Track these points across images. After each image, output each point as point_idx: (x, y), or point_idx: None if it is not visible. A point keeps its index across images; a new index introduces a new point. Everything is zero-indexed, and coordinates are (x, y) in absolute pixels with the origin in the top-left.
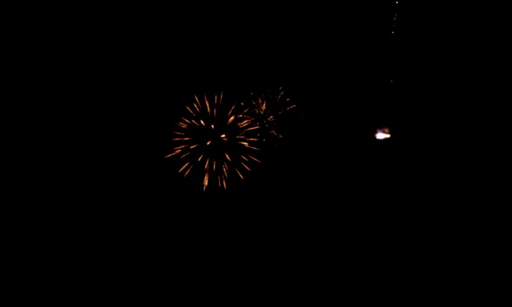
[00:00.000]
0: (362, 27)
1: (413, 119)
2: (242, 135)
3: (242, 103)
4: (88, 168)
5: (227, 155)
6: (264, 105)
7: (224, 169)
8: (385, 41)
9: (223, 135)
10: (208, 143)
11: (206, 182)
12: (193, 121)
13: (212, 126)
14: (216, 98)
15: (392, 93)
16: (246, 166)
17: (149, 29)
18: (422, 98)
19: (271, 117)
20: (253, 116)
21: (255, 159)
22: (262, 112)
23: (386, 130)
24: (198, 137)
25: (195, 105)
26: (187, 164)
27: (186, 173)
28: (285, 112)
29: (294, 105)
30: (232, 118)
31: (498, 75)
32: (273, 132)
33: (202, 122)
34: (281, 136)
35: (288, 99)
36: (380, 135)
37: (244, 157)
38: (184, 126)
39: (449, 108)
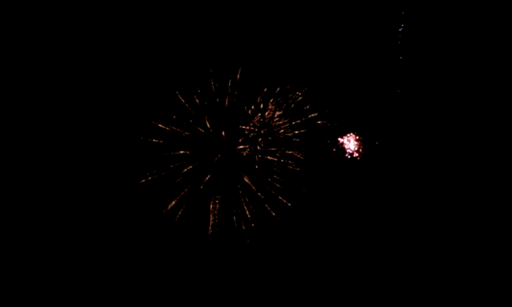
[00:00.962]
0: (372, 33)
1: (418, 127)
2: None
3: (250, 111)
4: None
5: (248, 180)
6: (276, 114)
7: (243, 201)
8: (393, 50)
9: (242, 147)
10: (217, 158)
11: (212, 221)
12: (194, 125)
13: (223, 133)
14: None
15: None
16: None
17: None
18: (431, 108)
19: (283, 129)
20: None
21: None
22: (275, 123)
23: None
24: (200, 148)
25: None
26: (182, 194)
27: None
28: (299, 124)
29: (315, 114)
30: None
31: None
32: (295, 153)
33: (208, 125)
34: (301, 156)
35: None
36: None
37: (276, 182)
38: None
39: (455, 117)
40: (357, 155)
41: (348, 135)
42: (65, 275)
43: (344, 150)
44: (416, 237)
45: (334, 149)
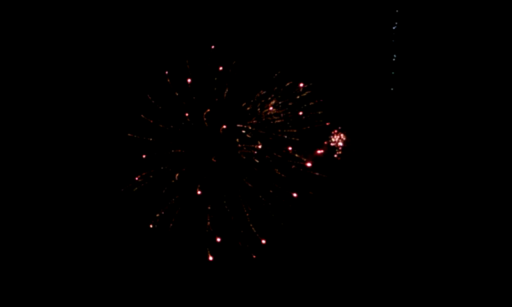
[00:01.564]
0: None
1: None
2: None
3: (249, 108)
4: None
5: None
6: (273, 110)
7: (242, 203)
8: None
9: (240, 146)
10: (214, 158)
11: (209, 224)
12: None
13: (222, 129)
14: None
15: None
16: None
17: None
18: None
19: (281, 128)
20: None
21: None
22: (273, 120)
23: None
24: (197, 147)
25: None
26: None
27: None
28: (298, 123)
29: (313, 113)
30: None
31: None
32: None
33: (206, 123)
34: (308, 163)
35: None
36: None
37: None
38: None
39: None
40: (353, 153)
41: (344, 133)
42: (55, 281)
43: (340, 149)
44: (413, 235)
45: (331, 148)
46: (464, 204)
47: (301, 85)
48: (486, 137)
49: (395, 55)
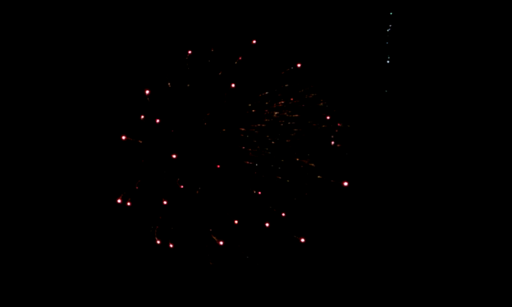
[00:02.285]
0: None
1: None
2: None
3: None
4: None
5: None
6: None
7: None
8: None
9: (243, 148)
10: (218, 165)
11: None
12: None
13: (222, 133)
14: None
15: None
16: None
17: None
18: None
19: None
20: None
21: None
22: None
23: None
24: (197, 152)
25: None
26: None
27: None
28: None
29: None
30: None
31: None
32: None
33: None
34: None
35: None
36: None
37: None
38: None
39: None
40: (347, 155)
41: (339, 135)
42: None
43: (336, 151)
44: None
45: (335, 151)
46: (460, 205)
47: (300, 91)
48: (481, 139)
49: (389, 57)
